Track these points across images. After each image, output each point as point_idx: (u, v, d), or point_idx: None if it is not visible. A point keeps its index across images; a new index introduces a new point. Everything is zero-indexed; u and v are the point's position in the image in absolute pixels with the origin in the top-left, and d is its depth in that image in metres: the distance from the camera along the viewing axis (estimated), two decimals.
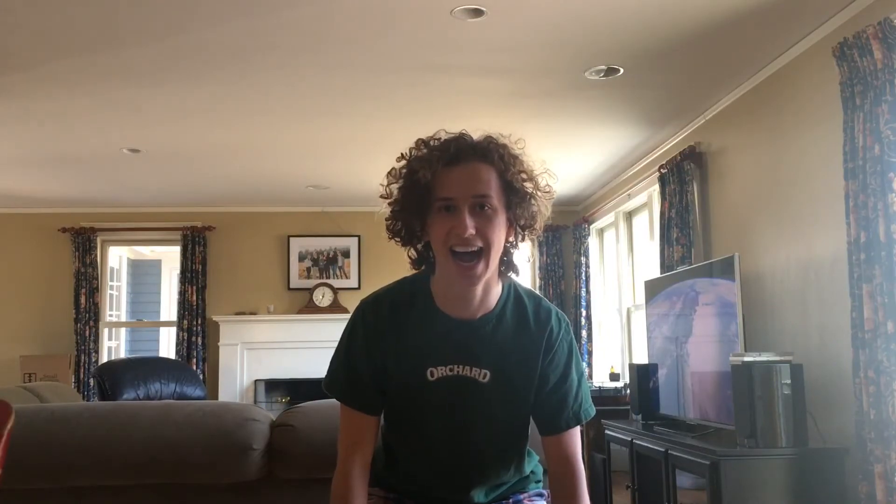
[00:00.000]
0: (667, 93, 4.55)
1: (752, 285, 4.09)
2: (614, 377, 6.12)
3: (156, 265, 11.41)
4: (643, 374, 4.69)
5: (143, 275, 11.28)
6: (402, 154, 1.62)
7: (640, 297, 5.79)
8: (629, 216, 6.54)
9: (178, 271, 7.79)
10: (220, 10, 3.41)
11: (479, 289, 1.59)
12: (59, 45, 3.76)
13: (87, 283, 7.48)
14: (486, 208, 1.54)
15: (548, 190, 1.64)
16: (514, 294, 1.68)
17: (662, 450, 3.81)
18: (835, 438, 3.38)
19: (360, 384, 1.64)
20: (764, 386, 3.29)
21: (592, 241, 7.29)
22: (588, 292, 7.15)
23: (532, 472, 1.78)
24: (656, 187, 5.38)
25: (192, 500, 2.25)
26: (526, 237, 1.64)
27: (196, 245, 7.60)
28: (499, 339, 1.63)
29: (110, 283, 8.31)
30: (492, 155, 1.57)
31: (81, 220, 7.58)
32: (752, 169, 4.31)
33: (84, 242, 7.52)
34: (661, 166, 5.22)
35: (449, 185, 1.55)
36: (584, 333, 7.14)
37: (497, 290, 1.64)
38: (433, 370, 1.61)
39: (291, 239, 7.78)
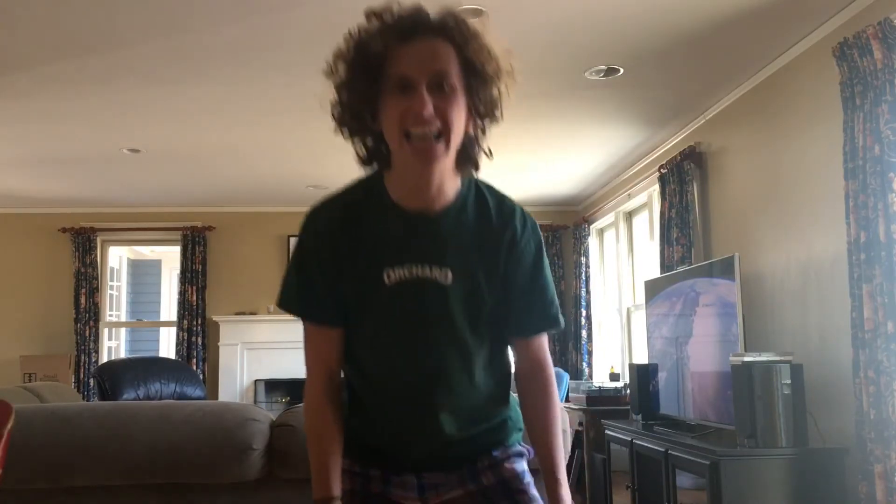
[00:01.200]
0: (667, 93, 4.55)
1: (752, 285, 4.09)
2: (614, 377, 6.12)
3: (156, 265, 11.41)
4: (643, 375, 4.69)
5: (143, 275, 11.28)
6: (349, 32, 1.44)
7: (640, 297, 5.79)
8: (629, 216, 6.54)
9: (178, 271, 7.79)
10: (220, 11, 3.41)
11: (436, 177, 1.43)
12: (59, 45, 3.76)
13: (87, 283, 7.48)
14: (445, 87, 1.39)
15: (510, 71, 1.51)
16: (474, 188, 1.53)
17: (662, 450, 3.81)
18: (835, 438, 3.38)
19: (316, 295, 1.49)
20: (764, 386, 3.29)
21: (592, 241, 7.29)
22: (588, 292, 7.15)
23: (510, 417, 1.61)
24: (656, 187, 5.38)
25: (192, 500, 2.25)
26: (487, 126, 1.49)
27: (196, 245, 7.60)
28: (460, 235, 1.48)
29: (110, 283, 8.31)
30: (451, 31, 1.44)
31: (81, 220, 7.58)
32: (752, 169, 4.31)
33: (84, 242, 7.52)
34: (661, 166, 5.22)
35: (405, 62, 1.38)
36: (584, 333, 7.14)
37: (456, 183, 1.49)
38: (389, 272, 1.45)
39: (291, 239, 7.78)
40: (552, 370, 1.58)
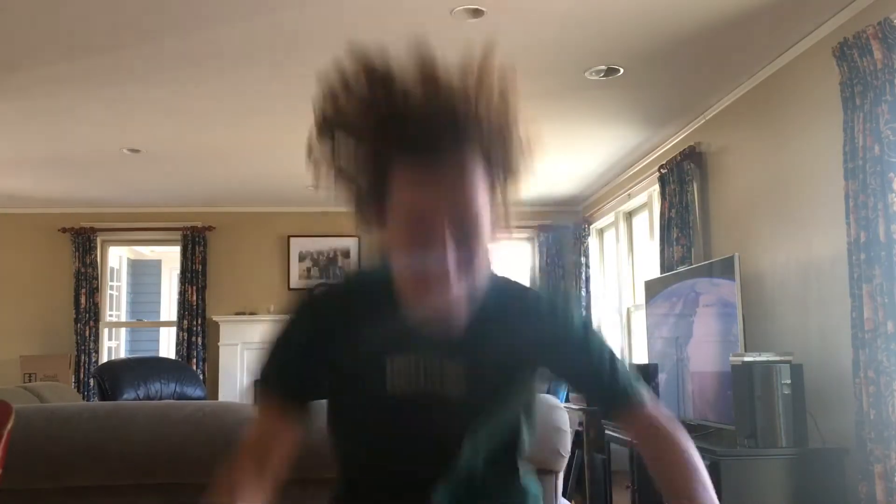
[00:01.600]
0: (667, 93, 4.55)
1: (752, 285, 4.09)
2: None
3: (156, 265, 11.41)
4: (643, 375, 4.67)
5: (143, 275, 11.28)
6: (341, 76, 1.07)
7: (640, 297, 5.79)
8: (629, 216, 6.54)
9: (178, 271, 7.79)
10: (220, 12, 3.41)
11: (458, 295, 1.12)
12: (59, 45, 3.76)
13: (87, 283, 7.47)
14: (471, 223, 1.07)
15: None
16: (494, 282, 1.23)
17: None
18: (835, 438, 3.38)
19: (290, 371, 1.26)
20: (764, 386, 3.29)
21: (592, 242, 7.29)
22: (588, 292, 7.15)
23: (528, 491, 1.34)
24: (656, 187, 5.38)
25: (192, 500, 2.25)
26: (510, 188, 1.13)
27: (196, 245, 7.59)
28: (479, 339, 1.21)
29: (110, 283, 8.31)
30: (481, 135, 1.06)
31: (81, 221, 7.58)
32: (752, 169, 4.31)
33: (84, 242, 7.52)
34: (661, 166, 5.22)
35: (415, 189, 1.05)
36: None
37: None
38: (394, 382, 1.21)
39: (292, 239, 7.78)
40: (676, 425, 1.33)
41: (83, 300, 7.43)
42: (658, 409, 1.33)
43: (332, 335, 1.24)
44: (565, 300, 1.32)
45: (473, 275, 1.10)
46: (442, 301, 1.09)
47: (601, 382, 1.30)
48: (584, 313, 1.35)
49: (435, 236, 1.05)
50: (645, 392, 1.34)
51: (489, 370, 1.23)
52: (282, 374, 1.27)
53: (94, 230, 7.59)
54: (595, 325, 1.34)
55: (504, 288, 1.28)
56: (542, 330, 1.26)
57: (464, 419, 1.22)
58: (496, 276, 1.26)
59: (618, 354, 1.33)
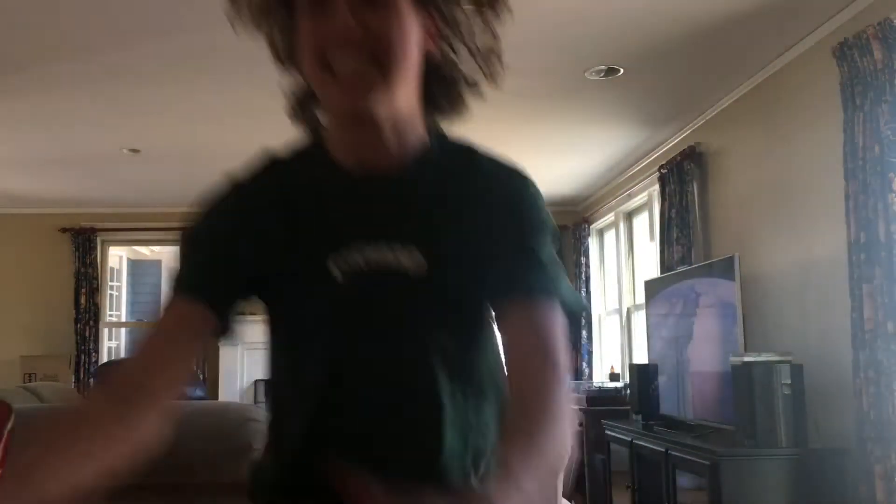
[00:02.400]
0: (667, 93, 4.55)
1: (751, 285, 4.09)
2: (614, 377, 6.12)
3: (156, 265, 11.41)
4: (643, 375, 4.68)
5: (143, 275, 11.28)
6: None
7: (640, 297, 5.79)
8: (629, 216, 6.54)
9: None
10: (221, 11, 3.41)
11: (384, 120, 1.01)
12: (59, 45, 3.76)
13: (88, 284, 7.47)
14: (383, 42, 0.97)
15: None
16: (445, 140, 1.12)
17: (662, 450, 3.81)
18: (835, 439, 3.38)
19: (205, 264, 1.06)
20: (764, 386, 3.29)
21: (592, 242, 7.29)
22: (588, 292, 7.15)
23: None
24: (656, 187, 5.38)
25: (192, 500, 2.25)
26: (459, 49, 1.09)
27: None
28: (430, 202, 1.05)
29: (110, 284, 8.31)
30: None
31: (81, 221, 7.58)
32: (752, 169, 4.31)
33: (84, 242, 7.52)
34: (661, 166, 5.22)
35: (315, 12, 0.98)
36: (584, 333, 7.14)
37: (420, 133, 1.08)
38: (336, 259, 1.02)
39: None
40: (558, 360, 0.99)
41: (83, 300, 7.43)
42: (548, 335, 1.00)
43: (262, 216, 1.06)
44: (532, 199, 1.10)
45: (391, 73, 0.98)
46: (365, 111, 0.98)
47: (503, 273, 1.04)
48: (543, 219, 1.11)
49: (332, 7, 0.96)
50: (542, 313, 1.01)
51: (448, 238, 1.04)
52: (195, 270, 1.05)
53: (94, 230, 7.58)
54: (549, 237, 1.10)
55: (458, 142, 1.13)
56: (490, 224, 1.06)
57: (423, 306, 1.03)
58: (457, 140, 1.13)
59: (560, 271, 1.09)
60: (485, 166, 1.10)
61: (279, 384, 1.11)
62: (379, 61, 0.97)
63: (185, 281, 1.05)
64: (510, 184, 1.09)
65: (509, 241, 1.06)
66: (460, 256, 1.04)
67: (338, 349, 1.03)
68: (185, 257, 1.08)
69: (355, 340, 1.03)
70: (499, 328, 1.06)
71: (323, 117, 1.09)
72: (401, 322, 1.03)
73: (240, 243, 1.05)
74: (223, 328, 1.07)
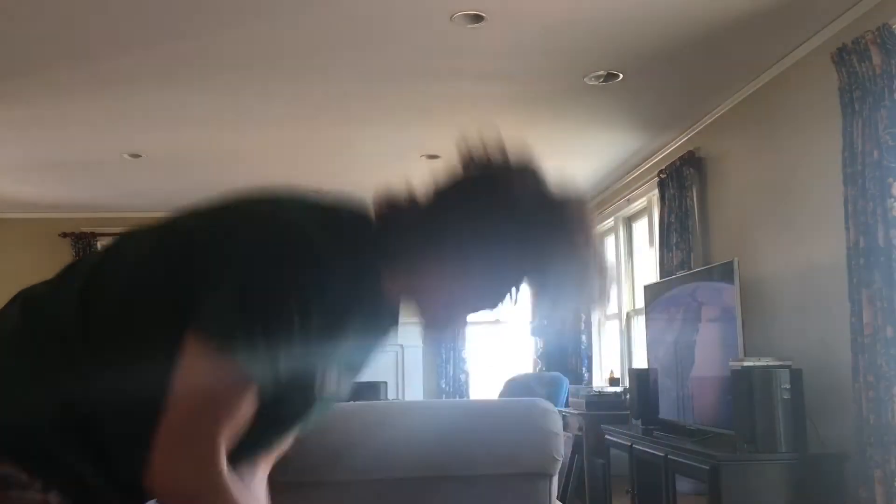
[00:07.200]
0: (666, 98, 4.56)
1: (751, 290, 4.09)
2: (614, 382, 6.11)
3: None
4: (643, 379, 4.68)
5: None
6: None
7: (640, 301, 5.79)
8: (628, 221, 6.55)
9: None
10: (222, 17, 3.42)
11: None
12: (60, 50, 3.76)
13: None
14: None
15: None
16: None
17: (662, 455, 3.81)
18: (834, 443, 3.38)
19: (286, 352, 1.08)
20: (763, 391, 3.29)
21: None
22: None
23: None
24: (655, 192, 5.39)
25: None
26: None
27: None
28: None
29: None
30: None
31: (82, 226, 7.58)
32: (751, 174, 4.32)
33: (85, 247, 7.51)
34: (660, 171, 5.23)
35: None
36: (583, 338, 7.13)
37: None
38: (323, 386, 1.20)
39: None
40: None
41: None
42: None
43: (342, 320, 1.13)
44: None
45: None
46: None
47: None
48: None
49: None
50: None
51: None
52: (280, 362, 1.07)
53: (94, 235, 7.58)
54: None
55: None
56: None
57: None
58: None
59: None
60: None
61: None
62: None
63: (269, 371, 1.08)
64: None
65: None
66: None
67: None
68: (289, 329, 1.07)
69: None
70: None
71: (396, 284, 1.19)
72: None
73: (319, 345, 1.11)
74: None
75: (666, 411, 4.46)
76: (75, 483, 1.09)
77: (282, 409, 1.13)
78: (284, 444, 1.32)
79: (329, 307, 1.08)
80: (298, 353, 1.07)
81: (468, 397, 7.28)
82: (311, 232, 1.10)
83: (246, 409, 1.06)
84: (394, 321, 1.23)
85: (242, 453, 1.13)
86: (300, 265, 1.07)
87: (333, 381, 1.18)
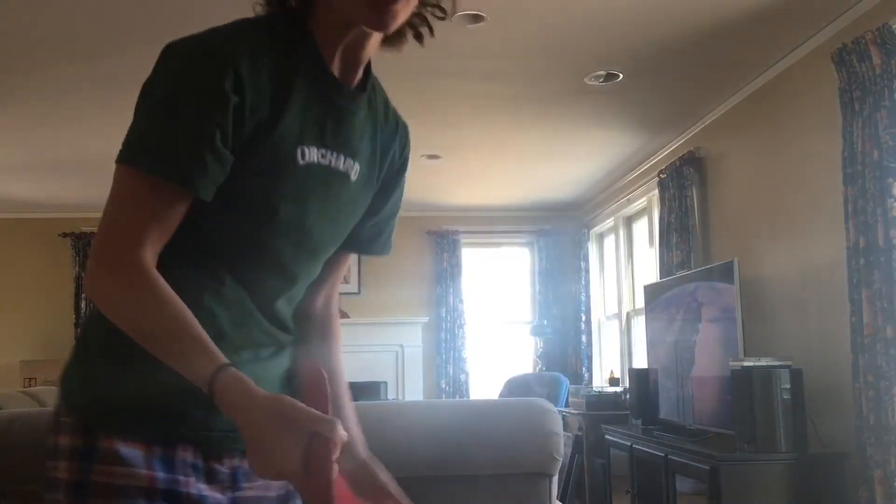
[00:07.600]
0: (666, 98, 4.56)
1: (751, 290, 4.10)
2: (614, 382, 6.11)
3: None
4: (643, 379, 4.69)
5: None
6: None
7: (640, 301, 5.79)
8: (629, 221, 6.55)
9: None
10: (222, 16, 3.42)
11: (377, 40, 1.14)
12: (60, 50, 3.77)
13: None
14: None
15: None
16: (370, 67, 1.21)
17: (662, 454, 3.81)
18: (834, 443, 3.38)
19: (209, 149, 1.03)
20: (763, 391, 3.29)
21: (592, 246, 7.30)
22: (588, 297, 7.15)
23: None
24: (656, 192, 5.39)
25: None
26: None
27: None
28: (369, 127, 1.20)
29: None
30: None
31: (82, 225, 7.59)
32: (751, 174, 4.32)
33: (85, 247, 7.52)
34: (660, 171, 5.23)
35: None
36: (583, 338, 7.14)
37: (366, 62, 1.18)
38: (305, 150, 1.10)
39: None
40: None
41: (84, 305, 7.43)
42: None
43: (255, 84, 1.06)
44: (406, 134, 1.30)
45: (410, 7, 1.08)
46: (384, 23, 1.05)
47: (376, 225, 1.30)
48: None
49: None
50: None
51: (370, 158, 1.21)
52: (198, 147, 1.04)
53: (94, 235, 7.58)
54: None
55: (378, 87, 1.26)
56: (398, 144, 1.27)
57: (345, 205, 1.18)
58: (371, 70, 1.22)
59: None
60: (390, 107, 1.27)
61: (211, 244, 1.13)
62: None
63: (184, 162, 1.07)
64: (406, 132, 1.29)
65: (398, 198, 1.30)
66: (374, 176, 1.22)
67: (295, 218, 1.12)
68: (187, 110, 1.06)
69: (305, 213, 1.13)
70: (343, 252, 1.27)
71: (321, 11, 1.11)
72: (336, 211, 1.17)
73: (239, 114, 1.05)
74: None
75: (666, 411, 4.46)
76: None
77: (267, 198, 1.09)
78: (337, 271, 1.31)
79: (253, 71, 1.08)
80: (239, 131, 1.04)
81: (468, 397, 7.28)
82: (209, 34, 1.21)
83: (169, 208, 1.09)
84: (340, 87, 1.15)
85: (277, 277, 1.15)
86: (207, 53, 1.14)
87: (316, 154, 1.11)
